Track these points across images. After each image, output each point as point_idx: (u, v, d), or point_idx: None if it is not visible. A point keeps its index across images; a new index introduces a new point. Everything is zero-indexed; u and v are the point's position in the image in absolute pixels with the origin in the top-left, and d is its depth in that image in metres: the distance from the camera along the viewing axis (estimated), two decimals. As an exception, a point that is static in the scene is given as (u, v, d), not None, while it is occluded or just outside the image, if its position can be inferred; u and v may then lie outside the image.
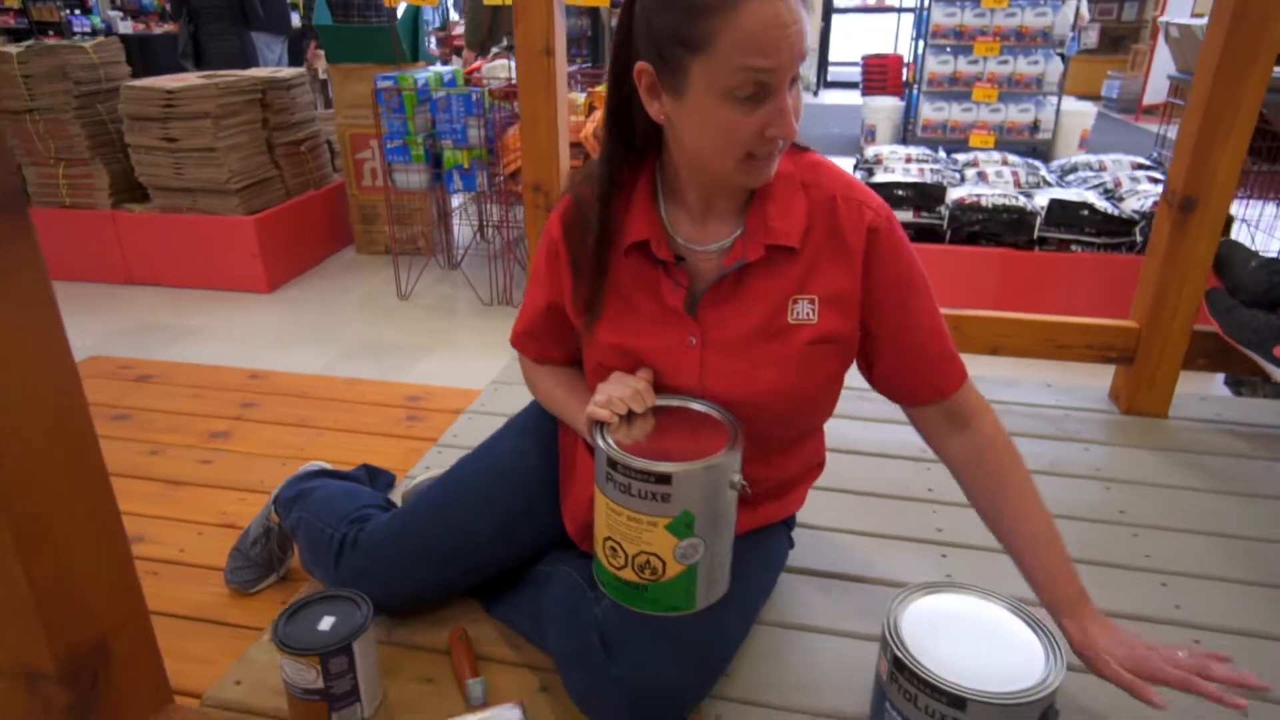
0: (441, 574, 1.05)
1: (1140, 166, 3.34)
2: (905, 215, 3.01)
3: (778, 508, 1.08)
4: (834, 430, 1.61)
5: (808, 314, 0.91)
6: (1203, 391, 1.85)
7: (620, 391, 0.89)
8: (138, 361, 2.28)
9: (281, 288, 3.35)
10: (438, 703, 0.97)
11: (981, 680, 0.76)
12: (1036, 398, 1.76)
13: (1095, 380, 1.83)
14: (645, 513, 0.85)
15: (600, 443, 0.86)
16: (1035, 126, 5.60)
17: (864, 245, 0.90)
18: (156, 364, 2.29)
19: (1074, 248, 2.88)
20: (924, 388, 0.96)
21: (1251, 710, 0.97)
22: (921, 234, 3.01)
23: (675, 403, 0.94)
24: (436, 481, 1.13)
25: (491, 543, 1.05)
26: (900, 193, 2.97)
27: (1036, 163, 3.50)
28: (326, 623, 0.92)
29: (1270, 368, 1.53)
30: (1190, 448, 1.57)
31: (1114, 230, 2.83)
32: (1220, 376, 2.40)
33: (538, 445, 1.10)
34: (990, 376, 1.87)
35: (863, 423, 1.65)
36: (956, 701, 0.76)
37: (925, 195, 2.97)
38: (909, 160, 3.47)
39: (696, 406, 0.94)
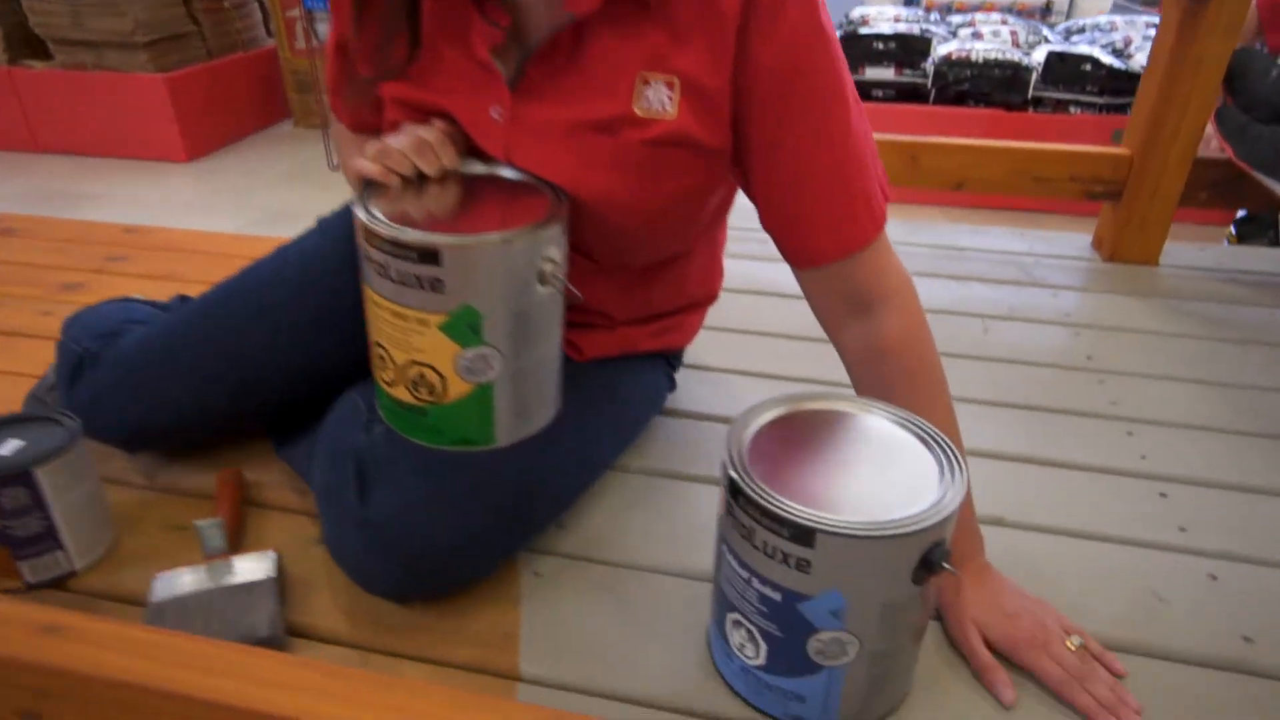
0: (204, 396, 0.82)
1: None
2: (886, 73, 2.69)
3: (648, 335, 0.85)
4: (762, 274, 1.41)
5: (662, 104, 0.64)
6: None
7: (402, 142, 0.65)
8: (3, 215, 2.04)
9: (203, 158, 3.06)
10: (182, 554, 0.76)
11: (842, 508, 0.54)
12: (1006, 244, 1.51)
13: (1083, 235, 1.58)
14: (411, 306, 0.61)
15: (358, 211, 0.62)
16: (1048, 8, 5.16)
17: (740, 12, 0.61)
18: (23, 218, 2.04)
19: (1073, 109, 2.57)
20: (810, 244, 0.68)
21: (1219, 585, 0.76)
22: (903, 94, 2.70)
23: (484, 170, 0.70)
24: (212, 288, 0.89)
25: (267, 355, 0.81)
26: (880, 45, 2.65)
27: (1039, 24, 3.14)
28: (9, 447, 0.70)
29: (1285, 196, 1.28)
30: (1178, 294, 1.32)
31: (1119, 88, 2.51)
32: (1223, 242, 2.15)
33: (340, 246, 0.86)
34: (955, 226, 1.62)
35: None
36: (802, 534, 0.53)
37: (908, 48, 2.64)
38: (897, 20, 3.11)
39: (510, 174, 0.69)
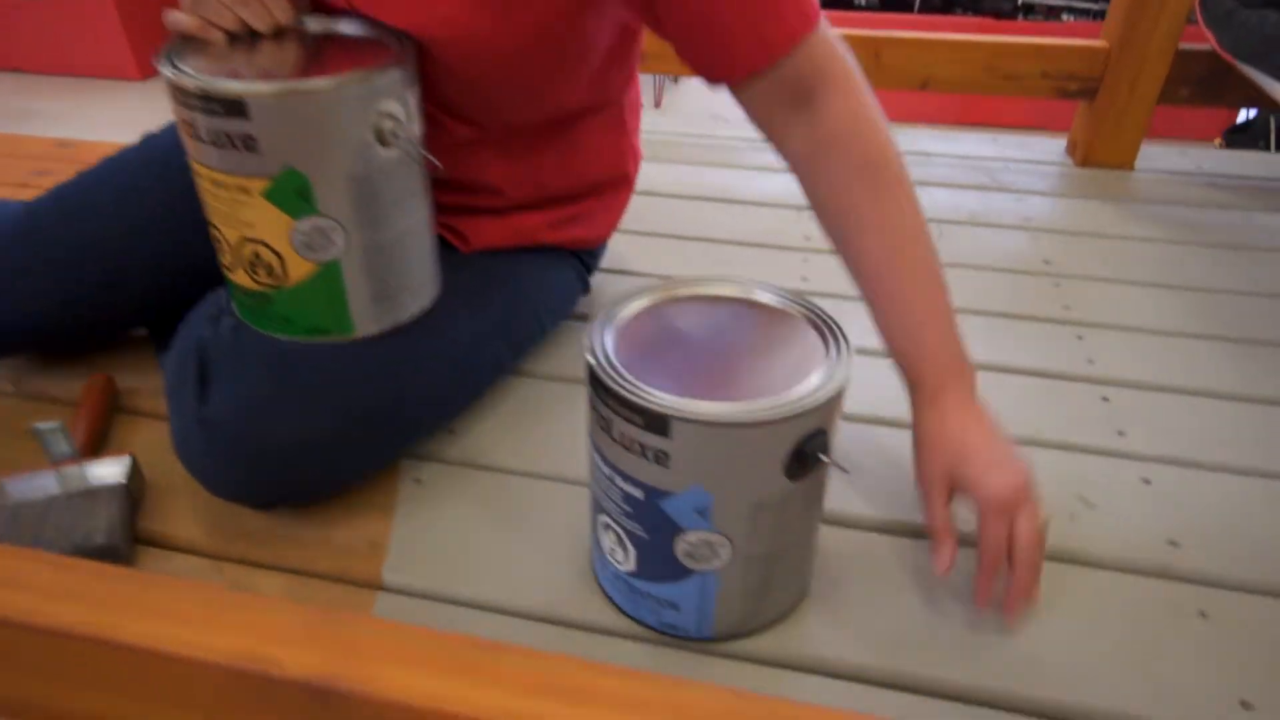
0: (67, 289, 0.74)
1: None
2: (870, -21, 2.53)
3: (546, 224, 0.77)
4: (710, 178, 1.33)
5: None
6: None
7: None
8: (-71, 131, 1.94)
9: (157, 77, 2.92)
10: (41, 462, 0.71)
11: (711, 396, 0.48)
12: (976, 150, 1.42)
13: (1059, 140, 1.49)
14: (229, 171, 0.54)
15: (163, 66, 0.55)
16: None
17: None
18: (-50, 133, 1.95)
19: (1065, 16, 2.43)
20: (733, 55, 0.59)
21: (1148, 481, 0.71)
22: (887, 3, 2.55)
23: (326, 25, 0.61)
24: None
25: (131, 243, 0.74)
26: (860, -54, 2.49)
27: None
28: None
29: (1275, 88, 1.18)
30: (1150, 198, 1.24)
31: (1115, -8, 2.36)
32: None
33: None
34: (924, 131, 1.52)
35: (744, 171, 1.32)
36: (657, 423, 0.47)
37: (892, -49, 2.48)
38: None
39: (354, 28, 0.60)
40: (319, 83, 0.52)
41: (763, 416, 0.46)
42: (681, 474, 0.49)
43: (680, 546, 0.52)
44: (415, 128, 0.58)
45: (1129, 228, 1.16)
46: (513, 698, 0.30)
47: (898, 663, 0.56)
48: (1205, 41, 1.28)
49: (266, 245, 0.56)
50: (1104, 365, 0.86)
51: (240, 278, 0.59)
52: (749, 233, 1.15)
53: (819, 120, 0.60)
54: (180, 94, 0.53)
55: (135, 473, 0.67)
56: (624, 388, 0.48)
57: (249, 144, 0.52)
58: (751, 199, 1.24)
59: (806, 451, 0.49)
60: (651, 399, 0.47)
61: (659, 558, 0.53)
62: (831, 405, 0.49)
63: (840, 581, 0.62)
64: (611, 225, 0.86)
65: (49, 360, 0.84)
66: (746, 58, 0.59)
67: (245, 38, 0.58)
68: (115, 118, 2.58)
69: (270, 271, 0.57)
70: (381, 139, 0.55)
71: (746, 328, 0.55)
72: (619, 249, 1.08)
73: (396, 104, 0.56)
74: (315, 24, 0.61)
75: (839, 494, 0.69)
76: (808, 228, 1.15)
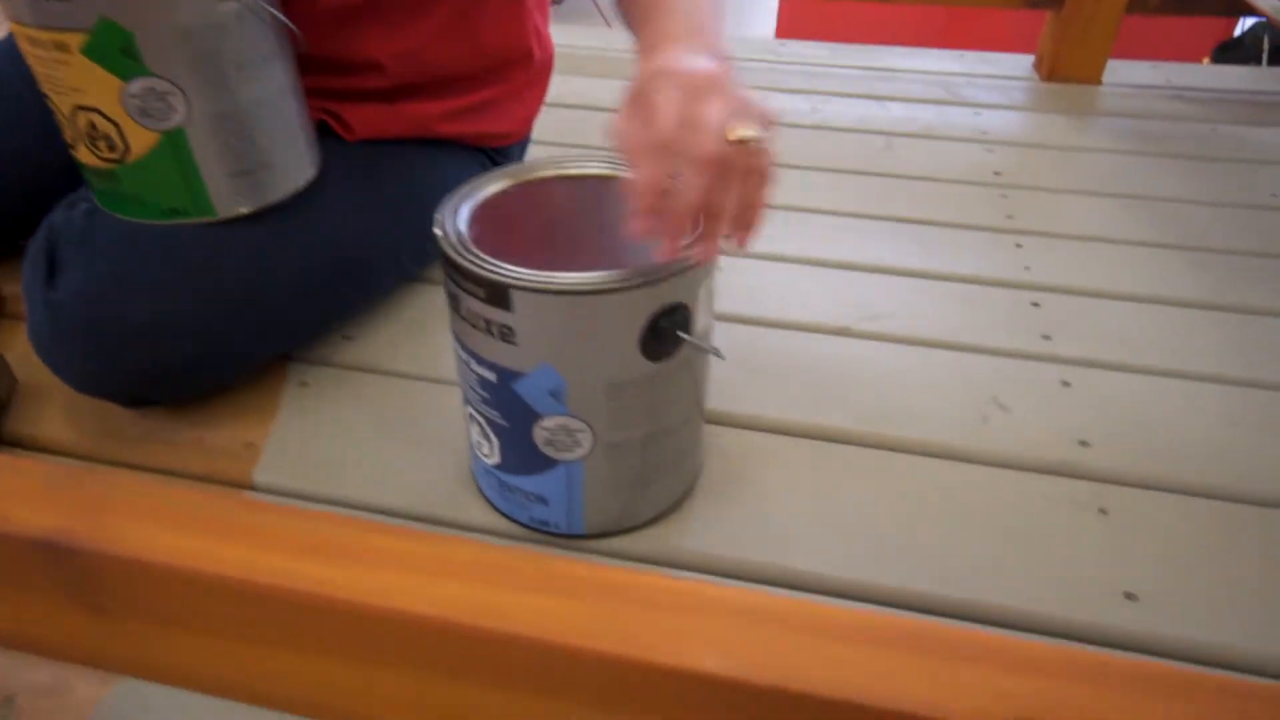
0: None
1: None
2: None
3: (441, 113, 0.72)
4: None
5: None
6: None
7: None
8: None
9: None
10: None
11: (563, 269, 0.44)
12: (941, 66, 1.36)
13: (1029, 56, 1.43)
14: (43, 26, 0.50)
15: None
16: None
17: None
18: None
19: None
20: None
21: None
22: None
23: None
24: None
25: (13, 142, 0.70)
26: None
27: None
28: None
29: (1242, -8, 1.12)
30: (1113, 111, 1.19)
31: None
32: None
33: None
34: (888, 49, 1.46)
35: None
36: (497, 294, 0.44)
37: None
38: None
39: None
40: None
41: (608, 285, 0.43)
42: (529, 351, 0.46)
43: (539, 434, 0.49)
44: None
45: (1086, 140, 1.11)
46: (267, 555, 0.28)
47: (783, 560, 0.54)
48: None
49: (100, 113, 0.52)
50: (1040, 272, 0.83)
51: (84, 155, 0.55)
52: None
53: None
54: None
55: (3, 373, 0.64)
56: (466, 259, 0.45)
57: None
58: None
59: (664, 328, 0.46)
60: (491, 268, 0.44)
61: (521, 448, 0.50)
62: (692, 281, 0.46)
63: (730, 480, 0.59)
64: (523, 121, 0.81)
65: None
66: None
67: None
68: None
69: (111, 144, 0.53)
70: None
71: (612, 207, 0.51)
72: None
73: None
74: None
75: (734, 394, 0.66)
76: (751, 140, 1.11)
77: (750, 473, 0.60)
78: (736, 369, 0.68)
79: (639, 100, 0.43)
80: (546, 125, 0.91)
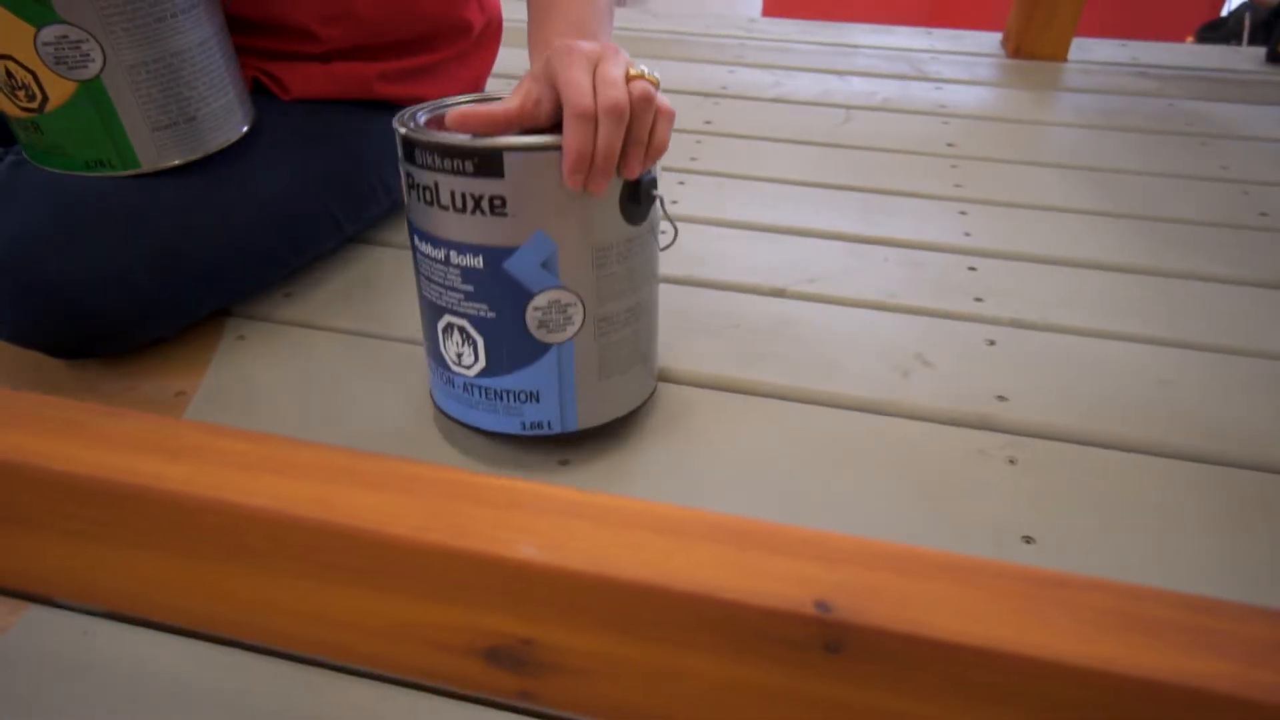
0: None
1: None
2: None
3: (378, 75, 0.72)
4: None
5: None
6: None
7: None
8: None
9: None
10: None
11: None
12: (908, 43, 1.37)
13: (997, 34, 1.43)
14: None
15: None
16: None
17: None
18: None
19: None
20: None
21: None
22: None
23: None
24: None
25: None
26: None
27: None
28: None
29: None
30: (1075, 88, 1.20)
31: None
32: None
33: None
34: (856, 26, 1.47)
35: (664, 62, 1.27)
36: (489, 161, 0.45)
37: None
38: None
39: None
40: None
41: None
42: (521, 220, 0.47)
43: (531, 316, 0.50)
44: None
45: (1044, 114, 1.12)
46: (111, 454, 0.29)
47: (696, 503, 0.55)
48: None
49: (14, 60, 0.53)
50: (979, 238, 0.83)
51: (4, 104, 0.56)
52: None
53: None
54: None
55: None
56: (449, 139, 0.45)
57: None
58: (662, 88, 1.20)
59: (643, 186, 0.47)
60: (482, 141, 0.45)
61: (511, 337, 0.51)
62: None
63: (659, 431, 0.60)
64: (470, 84, 0.82)
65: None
66: None
67: None
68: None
69: (29, 94, 0.54)
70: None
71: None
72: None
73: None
74: None
75: (672, 352, 0.67)
76: (709, 113, 1.11)
77: (681, 422, 0.61)
78: (674, 328, 0.69)
79: (543, 80, 0.46)
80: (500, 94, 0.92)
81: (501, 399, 0.54)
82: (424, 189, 0.48)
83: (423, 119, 0.50)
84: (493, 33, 0.83)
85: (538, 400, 0.53)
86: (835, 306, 0.73)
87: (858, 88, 1.19)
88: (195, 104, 0.58)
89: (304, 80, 0.69)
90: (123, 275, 0.58)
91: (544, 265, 0.48)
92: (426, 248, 0.50)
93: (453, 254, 0.49)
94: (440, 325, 0.53)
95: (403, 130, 0.48)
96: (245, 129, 0.63)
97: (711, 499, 0.55)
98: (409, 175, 0.49)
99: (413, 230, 0.51)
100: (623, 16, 1.45)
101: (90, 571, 0.33)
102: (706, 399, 0.63)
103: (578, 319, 0.50)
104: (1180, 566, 0.50)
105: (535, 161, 0.45)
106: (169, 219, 0.60)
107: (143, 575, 0.31)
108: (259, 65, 0.67)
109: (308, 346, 0.68)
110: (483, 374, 0.53)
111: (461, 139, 0.46)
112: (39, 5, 0.51)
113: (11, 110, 0.56)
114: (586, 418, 0.55)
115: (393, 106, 0.75)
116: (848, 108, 1.12)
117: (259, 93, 0.68)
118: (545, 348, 0.51)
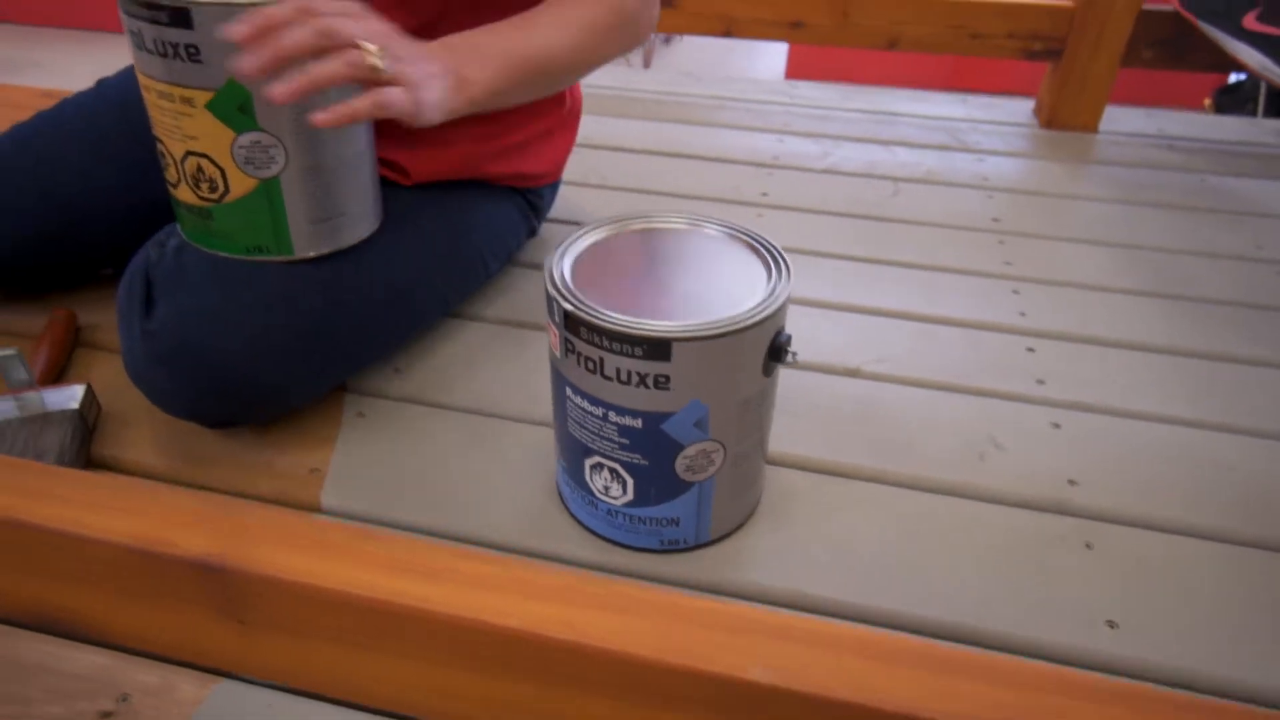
0: (23, 227, 0.76)
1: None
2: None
3: (490, 153, 0.78)
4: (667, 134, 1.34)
5: None
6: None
7: None
8: (-86, 78, 1.95)
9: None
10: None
11: (685, 316, 0.51)
12: (944, 110, 1.44)
13: (1028, 101, 1.50)
14: (174, 82, 0.57)
15: None
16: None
17: None
18: (-67, 81, 1.96)
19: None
20: None
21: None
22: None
23: None
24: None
25: (88, 182, 0.76)
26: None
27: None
28: None
29: (1238, 48, 1.19)
30: (1108, 160, 1.26)
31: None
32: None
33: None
34: (893, 92, 1.53)
35: (714, 129, 1.34)
36: (658, 349, 0.50)
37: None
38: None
39: None
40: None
41: (749, 322, 0.50)
42: (681, 392, 0.52)
43: (680, 463, 0.55)
44: None
45: (1082, 188, 1.18)
46: (374, 574, 0.34)
47: (801, 586, 0.60)
48: (1168, 2, 1.29)
49: (210, 159, 0.59)
50: (1034, 318, 0.89)
51: (183, 193, 0.62)
52: (708, 188, 1.17)
53: None
54: (127, 3, 0.55)
55: (90, 400, 0.70)
56: (615, 323, 0.50)
57: (192, 53, 0.55)
58: (712, 155, 1.26)
59: (779, 346, 0.53)
60: (650, 328, 0.50)
61: (660, 480, 0.56)
62: (786, 308, 0.54)
63: (760, 513, 0.66)
64: (555, 163, 0.88)
65: (12, 297, 0.87)
66: None
67: None
68: (111, 68, 2.59)
69: (213, 186, 0.60)
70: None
71: (686, 254, 0.58)
72: (576, 200, 1.11)
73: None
74: None
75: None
76: (764, 184, 1.18)
77: (780, 506, 0.66)
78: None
79: None
80: (571, 165, 0.98)
81: (644, 523, 0.59)
82: (586, 359, 0.53)
83: (583, 298, 0.53)
84: (578, 109, 0.89)
85: (677, 524, 0.59)
86: (907, 387, 0.79)
87: (902, 158, 1.25)
88: (347, 203, 0.64)
89: (426, 164, 0.74)
90: (276, 350, 0.64)
91: (697, 425, 0.53)
92: (583, 403, 0.55)
93: (612, 414, 0.54)
94: (589, 463, 0.58)
95: (568, 307, 0.52)
96: (377, 225, 0.69)
97: (811, 582, 0.60)
98: (568, 341, 0.53)
99: (565, 382, 0.56)
100: (663, 81, 1.52)
101: (353, 675, 0.37)
102: (800, 481, 0.69)
103: (719, 460, 0.56)
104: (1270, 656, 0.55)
105: (703, 347, 0.50)
106: (314, 300, 0.66)
107: (403, 680, 0.36)
108: (384, 155, 0.73)
109: (424, 424, 0.73)
110: (629, 505, 0.58)
111: (627, 322, 0.50)
112: (245, 115, 0.57)
113: (190, 199, 0.62)
114: (717, 530, 0.61)
115: (492, 186, 0.81)
116: (896, 180, 1.18)
117: (382, 183, 0.74)
118: (689, 485, 0.57)
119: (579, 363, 0.53)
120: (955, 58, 2.34)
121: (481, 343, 0.83)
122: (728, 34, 1.42)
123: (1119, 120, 1.38)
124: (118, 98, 0.80)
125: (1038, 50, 1.33)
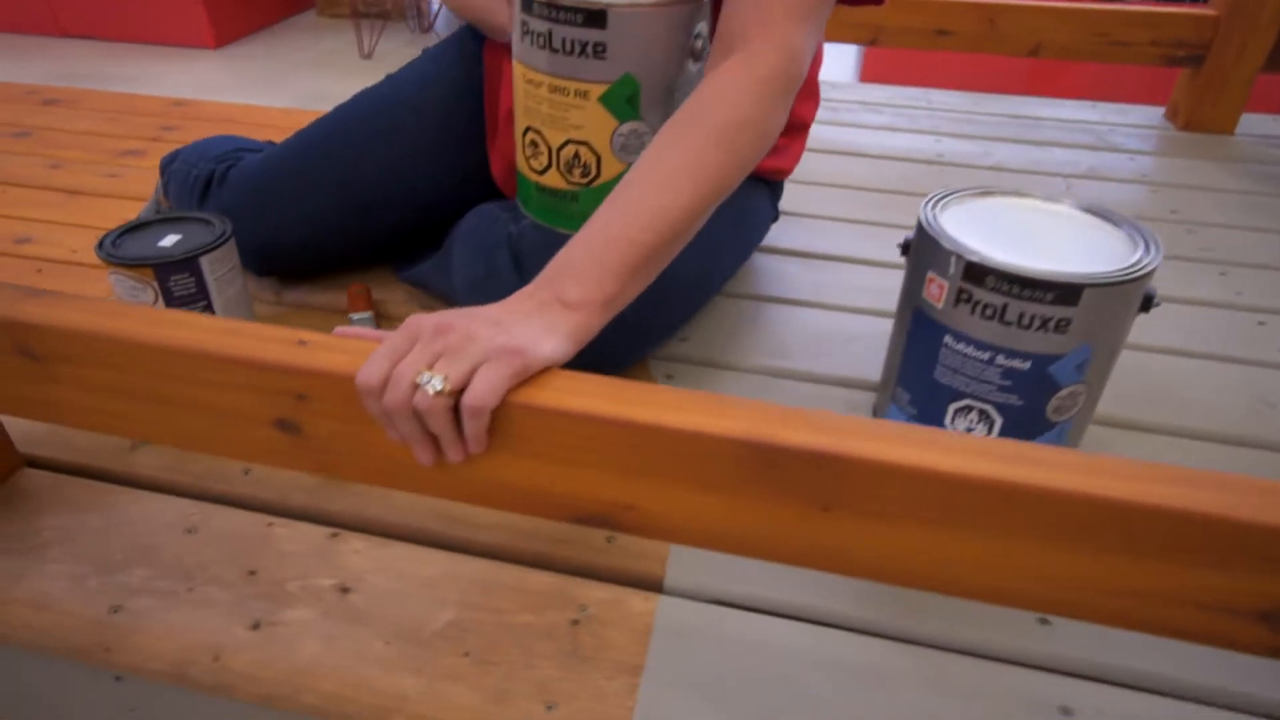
0: (324, 216, 0.82)
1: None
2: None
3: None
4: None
5: None
6: None
7: None
8: (44, 87, 2.01)
9: (230, 44, 2.99)
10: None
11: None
12: (1079, 115, 1.50)
13: (1156, 107, 1.57)
14: (572, 76, 0.62)
15: None
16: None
17: None
18: (64, 89, 2.01)
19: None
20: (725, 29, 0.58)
21: None
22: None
23: None
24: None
25: (383, 180, 0.82)
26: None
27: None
28: (170, 240, 0.72)
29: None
30: (1257, 159, 1.33)
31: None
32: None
33: (455, 70, 0.86)
34: (1026, 99, 1.60)
35: (870, 130, 1.40)
36: (1069, 294, 0.54)
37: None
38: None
39: None
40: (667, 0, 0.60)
41: (1143, 269, 0.56)
42: (1077, 335, 0.57)
43: (1052, 404, 0.60)
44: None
45: (1243, 183, 1.24)
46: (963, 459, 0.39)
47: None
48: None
49: (589, 146, 0.64)
50: (1251, 297, 0.95)
51: (552, 179, 0.67)
52: (895, 182, 1.22)
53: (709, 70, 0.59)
54: (540, 5, 0.61)
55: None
56: (1023, 271, 0.55)
57: (599, 51, 0.60)
58: (874, 152, 1.32)
59: (1149, 296, 0.59)
60: (1059, 275, 0.55)
61: (1028, 420, 0.61)
62: (1155, 271, 0.59)
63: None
64: (795, 159, 0.94)
65: (299, 278, 0.92)
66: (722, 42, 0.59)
67: None
68: (199, 82, 2.65)
69: (585, 171, 0.66)
70: (694, 54, 0.63)
71: (1053, 222, 0.64)
72: (787, 195, 1.17)
73: (706, 25, 0.64)
74: None
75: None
76: (937, 180, 1.24)
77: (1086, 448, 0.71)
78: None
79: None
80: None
81: None
82: (986, 306, 0.57)
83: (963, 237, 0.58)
84: (812, 113, 0.95)
85: None
86: (1168, 356, 0.84)
87: (1059, 157, 1.32)
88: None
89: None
90: (641, 329, 0.71)
91: (1078, 368, 0.59)
92: (967, 349, 0.60)
93: (1000, 357, 0.59)
94: (955, 406, 0.63)
95: (973, 258, 0.56)
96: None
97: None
98: (963, 291, 0.57)
99: (944, 331, 0.60)
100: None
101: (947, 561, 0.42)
102: (1103, 433, 0.74)
103: (1081, 401, 0.61)
104: None
105: (1104, 294, 0.55)
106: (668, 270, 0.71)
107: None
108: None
109: (722, 382, 0.78)
110: None
111: (1038, 270, 0.55)
112: (630, 107, 0.62)
113: (557, 183, 0.67)
114: None
115: (752, 178, 0.87)
116: (1066, 176, 1.24)
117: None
118: (1053, 425, 0.62)
119: (973, 310, 0.59)
120: (1029, 62, 2.40)
121: (749, 316, 0.88)
122: (874, 42, 1.49)
123: (1250, 125, 1.45)
124: (415, 98, 0.85)
125: (1179, 57, 1.40)
